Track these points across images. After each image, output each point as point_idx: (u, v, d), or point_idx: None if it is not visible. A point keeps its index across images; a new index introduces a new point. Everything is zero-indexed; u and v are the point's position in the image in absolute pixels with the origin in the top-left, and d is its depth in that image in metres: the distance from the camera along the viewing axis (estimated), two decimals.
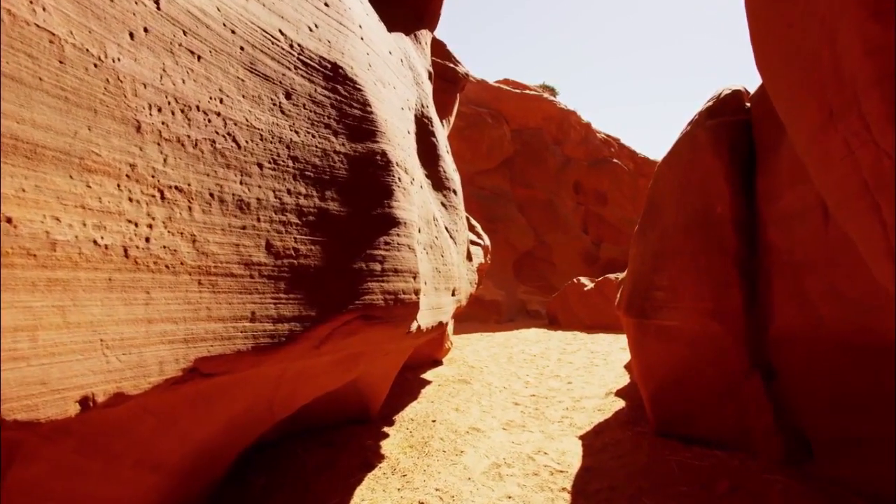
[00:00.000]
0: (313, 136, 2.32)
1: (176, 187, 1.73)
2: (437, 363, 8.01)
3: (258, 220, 1.99)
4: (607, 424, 5.12)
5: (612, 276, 13.50)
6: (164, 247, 1.65)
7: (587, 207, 20.36)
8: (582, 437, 4.79)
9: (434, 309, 3.35)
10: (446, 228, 4.06)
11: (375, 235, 2.39)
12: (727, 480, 3.53)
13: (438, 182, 4.29)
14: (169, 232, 1.68)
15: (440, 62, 9.38)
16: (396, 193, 2.57)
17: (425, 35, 5.34)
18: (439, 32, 7.67)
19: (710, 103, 4.87)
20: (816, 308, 3.55)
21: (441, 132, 4.83)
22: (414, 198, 2.84)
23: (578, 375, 7.62)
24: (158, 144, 1.68)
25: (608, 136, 21.21)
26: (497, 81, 19.74)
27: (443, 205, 4.21)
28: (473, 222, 7.48)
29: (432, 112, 4.60)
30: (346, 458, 4.06)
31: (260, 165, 2.06)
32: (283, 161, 2.16)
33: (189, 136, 1.80)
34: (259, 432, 3.24)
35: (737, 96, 4.75)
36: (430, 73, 5.21)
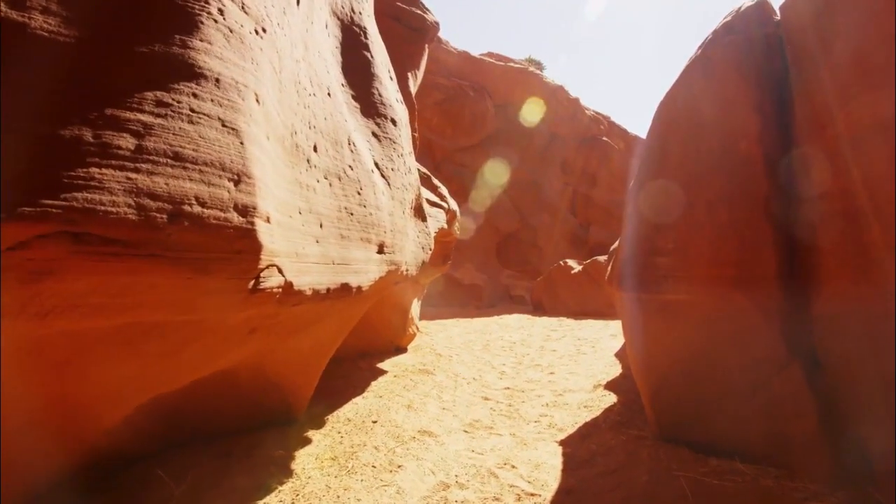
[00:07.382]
0: None
1: None
2: (401, 351, 6.94)
3: None
4: (595, 425, 4.10)
5: (601, 258, 12.48)
6: None
7: (575, 188, 19.31)
8: (563, 443, 3.76)
9: (337, 265, 2.24)
10: (377, 164, 2.95)
11: (135, 86, 1.25)
12: None
13: (370, 106, 3.17)
14: None
15: (406, 8, 8.22)
16: (207, 30, 1.44)
17: None
18: None
19: (729, 18, 3.80)
20: (887, 271, 2.52)
21: (381, 52, 3.71)
22: (259, 57, 1.70)
23: (562, 365, 6.63)
24: None
25: (597, 113, 20.10)
26: (480, 54, 18.52)
27: (374, 135, 3.10)
28: (437, 182, 6.36)
29: (368, 24, 3.48)
30: (237, 476, 2.96)
31: None
32: None
33: None
34: (73, 451, 2.14)
35: (762, 6, 3.68)
36: None
